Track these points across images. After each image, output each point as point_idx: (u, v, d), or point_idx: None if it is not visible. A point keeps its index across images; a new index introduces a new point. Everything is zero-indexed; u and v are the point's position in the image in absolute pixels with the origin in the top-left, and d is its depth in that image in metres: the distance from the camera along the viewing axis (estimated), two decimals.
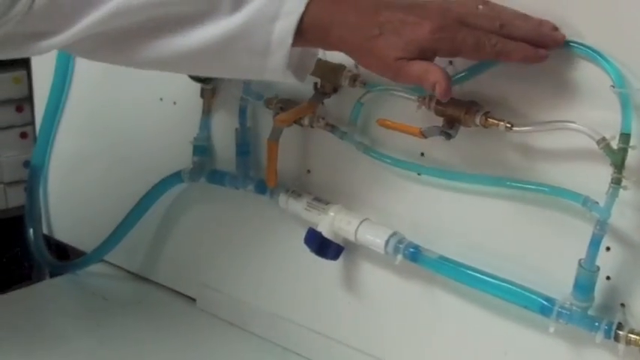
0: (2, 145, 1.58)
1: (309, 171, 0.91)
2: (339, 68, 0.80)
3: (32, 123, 1.53)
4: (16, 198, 1.59)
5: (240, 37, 0.71)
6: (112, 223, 1.12)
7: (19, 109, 1.57)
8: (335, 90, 0.82)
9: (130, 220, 1.09)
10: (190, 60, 0.76)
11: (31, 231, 1.28)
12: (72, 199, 1.26)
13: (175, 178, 1.02)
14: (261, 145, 0.92)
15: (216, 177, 0.97)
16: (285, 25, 0.68)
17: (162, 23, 0.73)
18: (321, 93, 0.83)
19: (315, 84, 0.82)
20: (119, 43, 0.76)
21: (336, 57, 0.77)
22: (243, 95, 0.91)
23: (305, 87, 0.80)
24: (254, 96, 0.89)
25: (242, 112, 0.92)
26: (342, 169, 0.88)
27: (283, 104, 0.86)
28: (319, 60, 0.78)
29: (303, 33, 0.68)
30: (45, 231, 1.31)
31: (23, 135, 1.58)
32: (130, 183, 1.10)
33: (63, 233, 1.29)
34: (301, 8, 0.67)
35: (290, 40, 0.68)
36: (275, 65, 0.70)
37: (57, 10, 0.73)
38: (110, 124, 1.15)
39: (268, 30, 0.69)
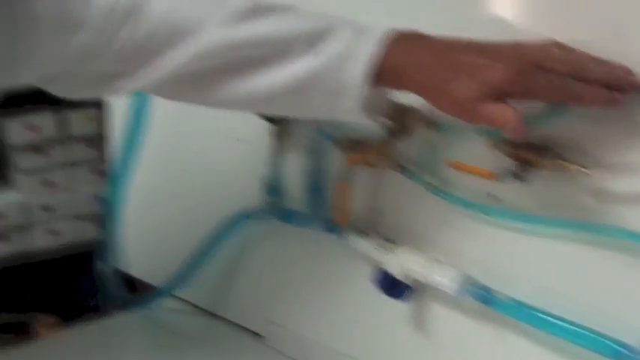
0: (77, 180, 1.65)
1: (378, 211, 0.91)
2: (411, 109, 0.81)
3: (106, 159, 1.59)
4: (88, 232, 1.65)
5: (314, 78, 0.72)
6: (182, 259, 1.14)
7: (93, 146, 1.64)
8: (405, 131, 0.83)
9: (200, 256, 1.11)
10: (265, 101, 0.78)
11: (103, 264, 1.33)
12: (143, 235, 1.29)
13: (246, 216, 1.04)
14: (331, 185, 0.93)
15: (286, 215, 0.98)
16: (360, 68, 0.69)
17: (239, 66, 0.75)
18: (392, 133, 0.84)
19: (386, 124, 0.83)
20: (197, 84, 0.79)
21: (407, 97, 0.77)
22: (313, 135, 0.93)
23: (375, 127, 0.81)
24: (324, 136, 0.91)
25: (312, 152, 0.93)
26: (411, 210, 0.88)
27: (353, 144, 0.87)
28: (390, 100, 0.79)
29: (378, 75, 0.69)
30: (116, 265, 1.34)
31: (97, 171, 1.65)
32: (201, 220, 1.12)
33: (134, 267, 1.32)
34: (376, 51, 0.69)
35: (364, 83, 0.69)
36: (349, 107, 0.71)
37: (139, 53, 0.77)
38: (183, 162, 1.18)
39: (343, 72, 0.70)
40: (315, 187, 0.95)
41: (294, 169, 0.98)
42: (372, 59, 0.69)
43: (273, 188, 1.00)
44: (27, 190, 1.61)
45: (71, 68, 0.79)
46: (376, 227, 0.90)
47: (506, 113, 0.63)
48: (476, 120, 0.66)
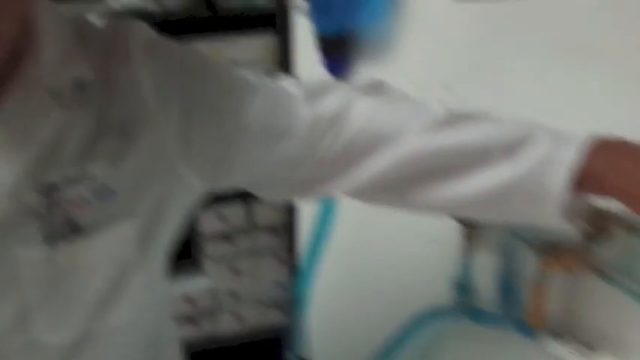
0: (262, 267, 1.75)
1: (575, 314, 0.89)
2: (610, 214, 0.80)
3: (292, 248, 1.68)
4: (273, 318, 1.73)
5: (514, 185, 0.73)
6: (366, 352, 1.15)
7: (278, 235, 1.75)
8: (604, 235, 0.82)
9: (387, 351, 1.12)
10: (463, 205, 0.79)
11: (287, 352, 1.36)
12: (328, 325, 1.31)
13: (434, 314, 1.04)
14: (524, 286, 0.92)
15: (476, 315, 0.98)
16: (562, 175, 0.69)
17: (438, 172, 0.78)
18: (590, 237, 0.83)
19: (584, 229, 0.82)
20: (396, 188, 0.81)
21: (607, 202, 0.75)
22: (506, 236, 0.93)
23: (572, 231, 0.79)
24: (518, 238, 0.91)
25: (505, 253, 0.93)
26: (609, 315, 0.85)
27: (549, 247, 0.87)
28: (590, 205, 0.78)
29: (579, 181, 0.69)
30: (300, 353, 1.37)
31: (282, 259, 1.74)
32: (387, 315, 1.13)
33: (318, 356, 1.34)
34: (577, 158, 0.69)
35: (566, 189, 0.69)
36: (549, 212, 0.72)
37: (344, 160, 0.81)
38: (371, 256, 1.20)
39: (544, 179, 0.71)
40: (508, 287, 0.94)
41: (485, 269, 0.98)
42: (573, 166, 0.69)
43: (463, 287, 1.00)
44: (215, 277, 1.73)
45: (276, 174, 0.85)
46: (572, 331, 0.88)
47: None
48: None
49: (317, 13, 1.11)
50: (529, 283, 0.90)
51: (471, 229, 0.99)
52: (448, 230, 1.00)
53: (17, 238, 0.76)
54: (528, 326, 0.91)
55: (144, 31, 0.82)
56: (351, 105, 0.81)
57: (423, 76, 1.02)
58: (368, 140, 0.80)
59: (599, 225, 0.82)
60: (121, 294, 0.85)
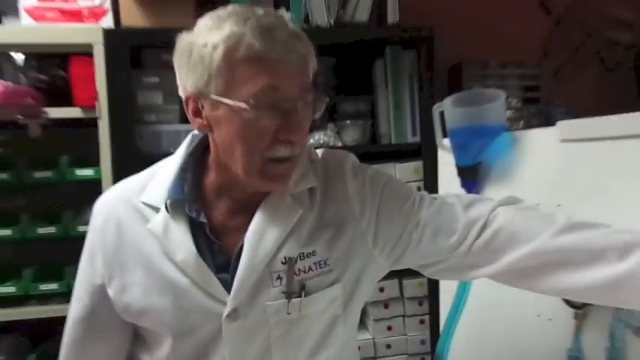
0: (410, 327, 1.72)
1: None
2: None
3: (429, 313, 1.65)
4: None
5: (625, 281, 0.70)
6: None
7: (420, 304, 1.72)
8: None
9: None
10: (580, 292, 0.76)
11: None
12: None
13: None
14: None
15: None
16: None
17: (563, 265, 0.75)
18: None
19: None
20: (528, 275, 0.79)
21: None
22: (613, 321, 0.86)
23: None
24: (624, 323, 0.84)
25: (612, 335, 0.86)
26: None
27: None
28: None
29: None
30: None
31: (421, 321, 1.71)
32: None
33: None
34: None
35: None
36: None
37: (490, 251, 0.81)
38: (496, 329, 1.14)
39: None
40: None
41: (595, 347, 0.90)
42: None
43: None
44: (374, 332, 1.72)
45: (440, 260, 0.85)
46: None
47: None
48: None
49: (458, 150, 1.13)
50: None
51: (581, 313, 0.92)
52: (564, 311, 0.94)
53: (267, 294, 0.80)
54: None
55: (351, 157, 0.90)
56: (496, 212, 0.83)
57: (532, 198, 0.99)
58: (507, 239, 0.80)
59: None
60: (330, 338, 0.86)
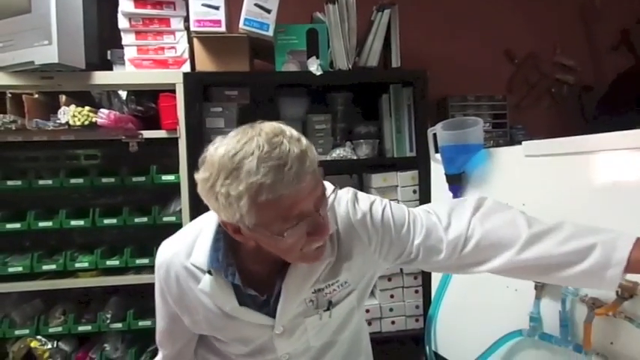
0: (408, 295, 1.70)
1: (612, 343, 0.81)
2: (635, 285, 0.74)
3: (422, 285, 1.62)
4: (414, 325, 1.67)
5: (588, 274, 0.67)
6: (473, 351, 1.08)
7: (415, 278, 1.69)
8: (631, 296, 0.76)
9: (487, 352, 1.05)
10: (551, 282, 0.75)
11: (423, 346, 1.32)
12: (449, 332, 1.25)
13: (517, 333, 0.98)
14: (575, 322, 0.86)
15: (545, 337, 0.91)
16: (616, 272, 0.64)
17: (546, 267, 0.70)
18: (622, 297, 0.77)
19: (617, 292, 0.77)
20: (506, 273, 0.74)
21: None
22: (564, 291, 0.87)
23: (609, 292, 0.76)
24: (572, 293, 0.85)
25: (563, 302, 0.87)
26: (631, 343, 0.77)
27: (593, 301, 0.81)
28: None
29: (627, 269, 0.64)
30: (430, 346, 1.31)
31: (416, 291, 1.68)
32: (486, 331, 1.06)
33: (442, 349, 1.26)
34: (624, 262, 0.64)
35: (618, 281, 0.64)
36: (606, 287, 0.67)
37: (481, 254, 0.74)
38: (476, 296, 1.11)
39: (604, 273, 0.65)
40: (565, 323, 0.87)
41: (551, 310, 0.91)
42: (621, 267, 0.64)
43: (536, 319, 0.94)
44: (381, 299, 1.70)
45: (436, 268, 0.80)
46: (612, 353, 0.80)
47: None
48: None
49: (446, 162, 1.14)
50: (577, 320, 0.84)
51: (540, 285, 0.94)
52: (527, 284, 0.95)
53: (304, 313, 0.79)
54: (581, 347, 0.83)
55: (351, 196, 0.79)
56: (472, 227, 0.75)
57: (503, 199, 0.99)
58: (488, 246, 0.73)
59: (626, 289, 0.76)
60: (350, 321, 0.85)
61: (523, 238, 0.70)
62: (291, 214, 0.62)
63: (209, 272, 0.74)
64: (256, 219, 0.62)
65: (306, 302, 0.77)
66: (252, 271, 0.76)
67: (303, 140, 0.64)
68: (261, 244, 0.69)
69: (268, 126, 0.64)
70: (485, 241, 0.73)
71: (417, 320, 1.68)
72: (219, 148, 0.63)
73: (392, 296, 1.69)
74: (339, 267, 0.77)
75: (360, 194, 0.81)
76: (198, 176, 0.65)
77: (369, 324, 1.63)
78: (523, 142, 0.98)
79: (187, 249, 0.77)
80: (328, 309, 0.78)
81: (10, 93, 1.45)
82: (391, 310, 1.69)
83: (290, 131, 0.64)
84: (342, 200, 0.79)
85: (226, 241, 0.74)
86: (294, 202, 0.62)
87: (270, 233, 0.63)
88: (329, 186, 0.73)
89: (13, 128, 1.42)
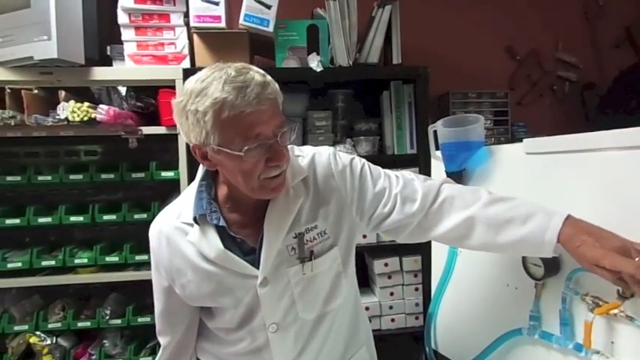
0: (407, 293, 1.71)
1: (612, 342, 0.79)
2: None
3: (422, 282, 1.62)
4: (413, 323, 1.67)
5: (529, 237, 0.76)
6: (473, 349, 1.07)
7: (415, 276, 1.70)
8: (632, 295, 0.74)
9: (486, 350, 1.04)
10: (496, 249, 0.82)
11: (422, 343, 1.29)
12: (449, 330, 1.23)
13: (517, 331, 0.96)
14: (575, 321, 0.85)
15: (545, 336, 0.90)
16: (551, 236, 0.73)
17: (486, 228, 0.80)
18: (623, 297, 0.75)
19: (618, 291, 0.75)
20: (462, 235, 0.82)
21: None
22: (564, 290, 0.86)
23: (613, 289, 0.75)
24: (572, 291, 0.84)
25: (563, 300, 0.86)
26: (630, 340, 0.76)
27: (593, 299, 0.80)
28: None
29: (559, 239, 0.73)
30: (429, 344, 1.28)
31: (416, 289, 1.68)
32: (486, 329, 1.05)
33: (442, 347, 1.25)
34: (557, 229, 0.73)
35: (554, 243, 0.73)
36: (545, 252, 0.76)
37: (438, 215, 0.83)
38: (477, 293, 1.11)
39: (542, 236, 0.74)
40: (566, 321, 0.86)
41: (551, 308, 0.89)
42: (555, 232, 0.73)
43: (537, 318, 0.92)
44: (380, 296, 1.70)
45: (407, 223, 0.85)
46: (613, 352, 0.79)
47: None
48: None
49: (447, 160, 1.14)
50: (579, 318, 0.83)
51: (540, 283, 0.92)
52: (527, 282, 0.93)
53: (287, 262, 0.82)
54: (581, 346, 0.83)
55: (333, 150, 0.88)
56: (442, 187, 0.86)
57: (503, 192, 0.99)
58: (450, 206, 0.83)
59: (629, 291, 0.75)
60: (337, 289, 0.87)
61: (482, 200, 0.82)
62: (251, 133, 0.70)
63: (195, 221, 0.80)
64: (219, 137, 0.70)
65: (288, 250, 0.81)
66: (233, 220, 0.82)
67: (268, 76, 0.74)
68: (224, 171, 0.77)
69: (238, 63, 0.73)
70: (450, 200, 0.83)
71: (416, 318, 1.68)
72: (192, 79, 0.73)
73: (392, 294, 1.70)
74: (316, 212, 0.83)
75: (342, 152, 0.89)
76: (174, 101, 0.74)
77: (369, 321, 1.64)
78: (524, 140, 0.97)
79: (176, 212, 0.85)
80: (310, 259, 0.82)
81: (10, 88, 1.46)
82: (391, 307, 1.70)
83: (257, 69, 0.74)
84: (324, 152, 0.87)
85: (208, 191, 0.83)
86: (253, 122, 0.69)
87: (231, 151, 0.70)
88: (305, 148, 0.88)
89: (13, 124, 1.42)
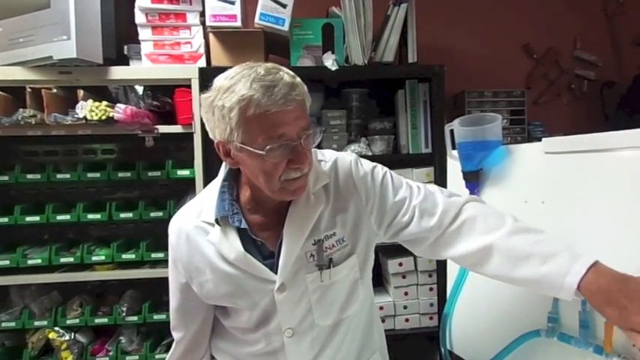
0: (422, 293, 1.70)
1: (634, 345, 0.77)
2: None
3: (437, 282, 1.61)
4: (427, 323, 1.67)
5: (548, 277, 0.72)
6: (490, 350, 1.06)
7: (430, 276, 1.69)
8: None
9: (504, 351, 1.03)
10: (511, 282, 0.78)
11: (438, 344, 1.29)
12: (464, 331, 1.23)
13: (535, 333, 0.95)
14: (596, 324, 0.83)
15: (565, 338, 0.89)
16: (571, 281, 0.69)
17: (503, 259, 0.77)
18: None
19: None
20: (478, 261, 0.79)
21: None
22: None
23: None
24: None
25: (583, 302, 0.84)
26: None
27: None
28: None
29: (580, 286, 0.69)
30: (445, 344, 1.28)
31: (430, 289, 1.68)
32: (504, 331, 1.04)
33: (457, 348, 1.24)
34: (580, 276, 0.69)
35: (573, 289, 0.69)
36: (564, 296, 0.71)
37: (458, 236, 0.80)
38: (495, 295, 1.08)
39: (562, 280, 0.70)
40: (586, 324, 0.84)
41: (571, 310, 0.87)
42: (578, 278, 0.69)
43: (555, 320, 0.91)
44: (394, 296, 1.70)
45: (424, 237, 0.84)
46: (633, 354, 0.78)
47: None
48: None
49: (464, 159, 1.13)
50: (599, 321, 0.82)
51: None
52: None
53: (305, 268, 0.82)
54: (601, 349, 0.82)
55: (355, 157, 0.88)
56: (466, 206, 0.83)
57: (521, 197, 0.99)
58: (470, 229, 0.80)
59: None
60: (354, 296, 0.87)
61: (506, 227, 0.77)
62: (275, 133, 0.69)
63: (217, 222, 0.80)
64: (243, 135, 0.70)
65: (306, 256, 0.81)
66: (254, 221, 0.82)
67: (298, 78, 0.73)
68: (246, 169, 0.77)
69: (269, 63, 0.74)
70: (471, 222, 0.80)
71: (431, 318, 1.68)
72: (222, 76, 0.73)
73: (406, 294, 1.69)
74: (335, 220, 0.83)
75: (363, 159, 0.88)
76: (203, 96, 0.74)
77: (383, 321, 1.63)
78: (543, 139, 0.96)
79: (197, 210, 0.85)
80: (329, 267, 0.81)
81: (30, 88, 1.48)
82: (405, 307, 1.69)
83: (287, 70, 0.73)
84: (346, 158, 0.86)
85: (230, 192, 0.82)
86: (278, 122, 0.69)
87: (253, 150, 0.70)
88: (328, 152, 0.87)
89: (33, 122, 1.45)
